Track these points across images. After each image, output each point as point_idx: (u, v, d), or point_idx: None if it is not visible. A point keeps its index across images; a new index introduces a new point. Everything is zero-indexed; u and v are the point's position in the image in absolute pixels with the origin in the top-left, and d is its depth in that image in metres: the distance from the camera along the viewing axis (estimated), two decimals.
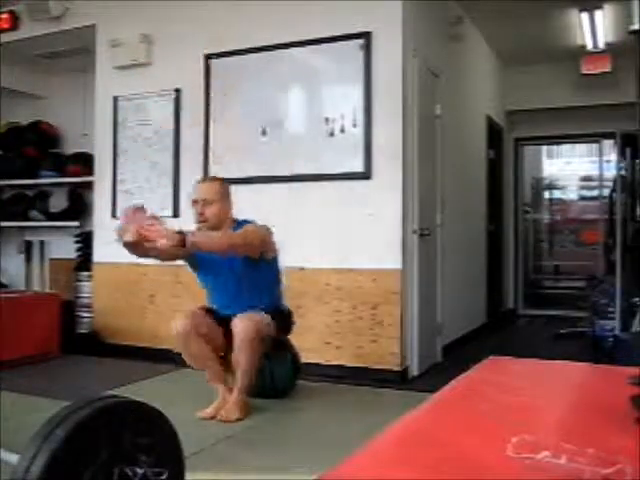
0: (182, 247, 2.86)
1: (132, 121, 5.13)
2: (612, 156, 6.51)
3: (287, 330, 3.47)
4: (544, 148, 9.46)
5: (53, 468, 1.50)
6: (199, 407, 3.20)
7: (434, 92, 4.75)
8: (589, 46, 6.36)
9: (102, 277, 5.20)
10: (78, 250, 5.79)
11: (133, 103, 5.13)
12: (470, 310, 5.98)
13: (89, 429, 1.58)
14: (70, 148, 6.30)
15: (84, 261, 5.60)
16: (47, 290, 6.15)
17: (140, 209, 2.94)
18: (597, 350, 4.52)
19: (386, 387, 3.90)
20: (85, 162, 5.75)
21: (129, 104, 5.14)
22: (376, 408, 3.35)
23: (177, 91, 4.93)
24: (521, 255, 7.98)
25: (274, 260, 3.37)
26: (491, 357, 1.90)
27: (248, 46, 4.59)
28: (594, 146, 8.13)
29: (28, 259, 6.52)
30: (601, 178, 7.48)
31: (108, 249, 5.15)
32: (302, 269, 4.32)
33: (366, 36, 4.22)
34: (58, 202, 6.06)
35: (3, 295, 4.87)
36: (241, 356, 3.11)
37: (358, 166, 4.23)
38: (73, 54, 5.86)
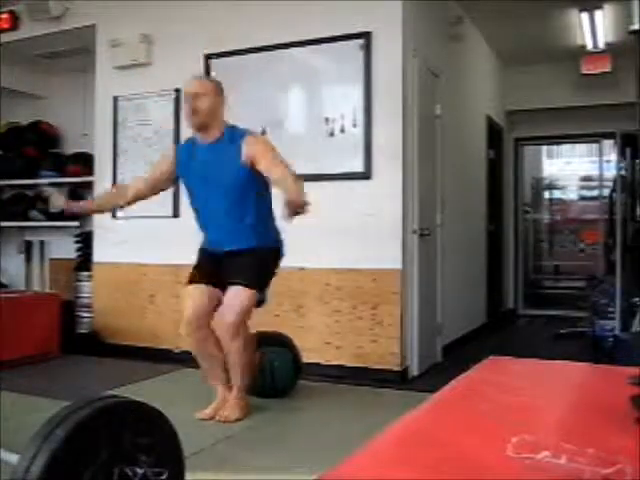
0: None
1: (132, 121, 5.13)
2: (612, 156, 6.51)
3: (276, 269, 3.29)
4: (544, 148, 9.45)
5: (53, 468, 1.50)
6: (199, 407, 3.20)
7: (434, 92, 4.75)
8: (589, 46, 6.36)
9: (102, 277, 5.20)
10: (78, 250, 5.79)
11: (133, 103, 5.13)
12: (470, 310, 5.99)
13: (89, 429, 1.59)
14: (70, 148, 6.31)
15: (84, 261, 5.60)
16: (47, 290, 6.15)
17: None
18: (597, 350, 4.52)
19: (386, 387, 3.90)
20: (85, 162, 5.75)
21: (129, 104, 5.14)
22: (376, 408, 3.35)
23: (177, 91, 4.92)
24: (521, 255, 7.98)
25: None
26: (491, 357, 1.90)
27: (248, 46, 4.59)
28: (594, 146, 8.12)
29: (28, 259, 6.52)
30: (601, 178, 7.48)
31: (108, 249, 5.17)
32: (302, 269, 4.32)
33: (366, 36, 4.22)
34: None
35: (3, 295, 4.87)
36: (230, 350, 3.10)
37: (358, 166, 4.23)
38: (73, 54, 5.86)
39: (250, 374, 3.21)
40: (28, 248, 6.52)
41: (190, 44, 4.86)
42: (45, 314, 4.77)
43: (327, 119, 4.34)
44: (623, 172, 4.70)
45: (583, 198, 9.44)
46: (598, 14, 5.61)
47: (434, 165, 4.75)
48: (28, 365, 4.38)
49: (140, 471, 1.61)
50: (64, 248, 6.09)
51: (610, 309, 4.45)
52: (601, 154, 7.50)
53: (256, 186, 3.14)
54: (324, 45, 4.37)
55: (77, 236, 5.85)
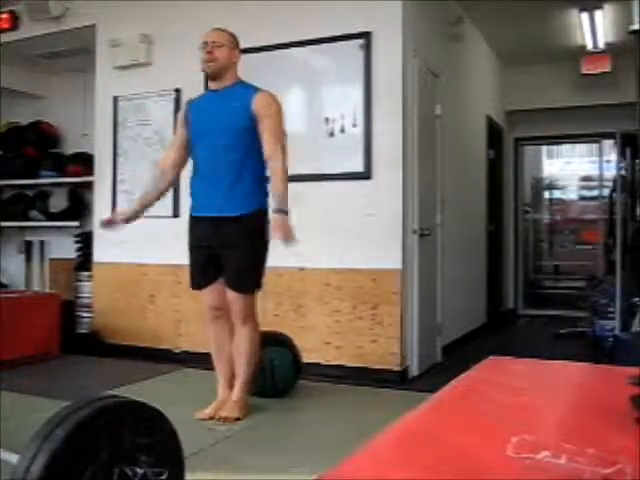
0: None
1: (132, 121, 5.13)
2: (612, 156, 6.51)
3: (267, 245, 3.23)
4: (544, 148, 9.46)
5: (53, 468, 1.51)
6: (199, 407, 3.19)
7: (434, 92, 4.75)
8: (589, 46, 6.36)
9: (102, 277, 5.20)
10: (78, 250, 5.79)
11: (133, 103, 5.13)
12: (470, 310, 5.99)
13: (89, 429, 1.59)
14: (70, 148, 6.30)
15: (84, 261, 5.60)
16: (47, 290, 6.15)
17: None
18: (597, 350, 4.52)
19: (386, 387, 3.90)
20: (85, 162, 5.75)
21: (129, 104, 5.14)
22: (376, 408, 3.35)
23: (177, 91, 4.93)
24: (521, 255, 7.98)
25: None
26: (491, 357, 1.90)
27: (248, 46, 4.56)
28: (594, 146, 8.13)
29: (28, 259, 6.52)
30: (601, 178, 7.48)
31: (108, 249, 5.16)
32: (302, 269, 4.33)
33: (366, 36, 4.22)
34: (58, 202, 6.06)
35: (3, 295, 4.87)
36: (237, 336, 3.16)
37: (358, 166, 4.23)
38: (73, 54, 5.86)
39: (254, 365, 3.23)
40: (28, 248, 6.52)
41: (190, 44, 4.82)
42: (45, 314, 4.77)
43: (327, 119, 4.34)
44: (623, 172, 4.70)
45: (583, 198, 9.45)
46: (598, 14, 5.61)
47: (434, 165, 4.75)
48: (28, 365, 4.37)
49: (140, 471, 1.61)
50: (64, 248, 6.09)
51: (610, 309, 4.45)
52: (601, 154, 7.50)
53: (258, 140, 3.13)
54: (324, 45, 4.37)
55: (77, 236, 5.85)
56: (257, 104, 3.12)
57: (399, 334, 4.11)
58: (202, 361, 3.70)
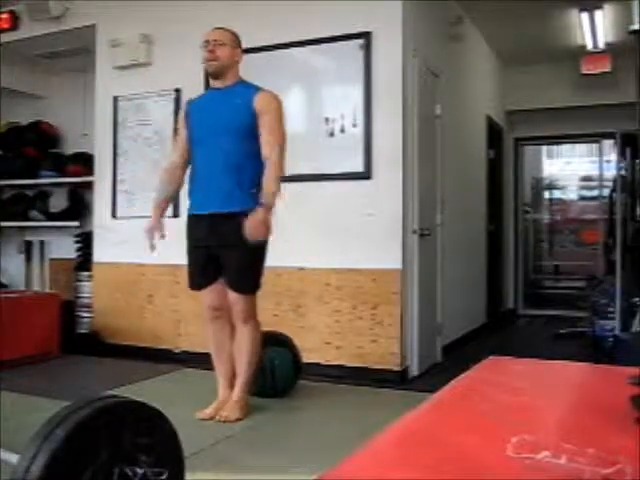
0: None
1: (132, 121, 5.13)
2: (612, 156, 6.51)
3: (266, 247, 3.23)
4: (544, 148, 9.46)
5: (53, 468, 1.51)
6: (199, 407, 3.20)
7: (434, 92, 4.75)
8: (589, 46, 6.36)
9: (102, 277, 5.20)
10: (78, 250, 5.79)
11: (133, 103, 5.13)
12: (470, 310, 5.99)
13: (89, 429, 1.59)
14: (70, 148, 6.30)
15: (84, 261, 5.60)
16: (47, 290, 6.15)
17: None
18: (597, 350, 4.52)
19: (386, 387, 3.90)
20: (85, 162, 5.75)
21: (129, 104, 5.14)
22: (376, 408, 3.35)
23: (177, 91, 4.93)
24: (521, 255, 7.98)
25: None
26: (491, 357, 1.90)
27: (248, 46, 4.55)
28: (594, 146, 8.13)
29: (28, 259, 6.52)
30: (601, 178, 7.49)
31: (108, 249, 5.16)
32: (302, 269, 4.33)
33: (366, 36, 4.22)
34: (58, 202, 6.06)
35: (3, 295, 4.87)
36: (239, 336, 3.16)
37: (358, 166, 4.23)
38: (73, 54, 5.86)
39: (255, 365, 3.23)
40: (28, 248, 6.52)
41: (190, 44, 4.83)
42: (45, 314, 4.77)
43: (327, 119, 4.34)
44: (623, 172, 4.70)
45: (583, 198, 9.45)
46: (598, 14, 5.61)
47: (434, 165, 4.75)
48: (28, 365, 4.38)
49: (140, 471, 1.61)
50: (64, 248, 6.09)
51: (610, 309, 4.45)
52: (601, 154, 7.50)
53: (259, 139, 3.12)
54: (324, 45, 4.37)
55: (77, 236, 5.85)
56: (258, 103, 3.13)
57: (399, 334, 4.11)
58: (202, 361, 3.70)
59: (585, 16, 5.68)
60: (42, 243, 6.47)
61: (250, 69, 4.57)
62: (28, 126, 6.33)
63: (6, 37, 5.57)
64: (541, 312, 7.63)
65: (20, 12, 5.56)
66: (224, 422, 3.08)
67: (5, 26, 5.57)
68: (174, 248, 4.74)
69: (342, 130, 4.30)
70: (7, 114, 6.36)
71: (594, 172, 8.20)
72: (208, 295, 3.23)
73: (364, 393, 3.83)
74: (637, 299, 4.23)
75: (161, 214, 3.33)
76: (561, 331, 5.92)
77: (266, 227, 2.97)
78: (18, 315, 4.51)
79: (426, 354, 4.47)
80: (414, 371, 4.29)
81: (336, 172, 4.31)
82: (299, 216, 4.35)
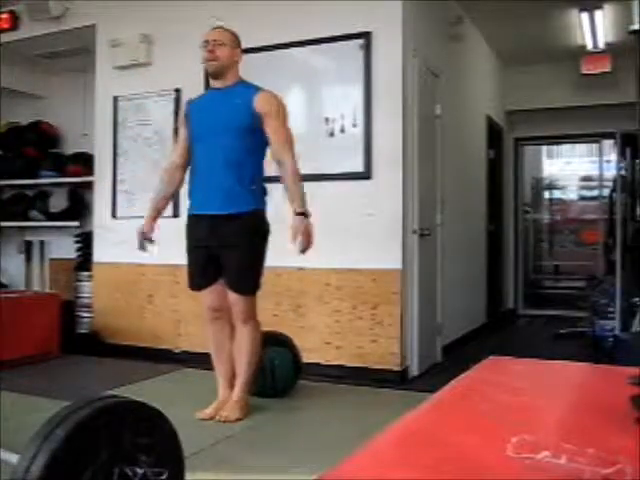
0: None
1: (132, 121, 5.13)
2: (612, 156, 6.51)
3: (265, 240, 3.20)
4: (544, 148, 9.46)
5: (53, 468, 1.51)
6: (199, 407, 3.20)
7: (434, 92, 4.75)
8: (589, 46, 6.36)
9: (102, 277, 5.20)
10: (78, 250, 5.79)
11: (133, 103, 5.13)
12: (470, 310, 5.99)
13: (89, 429, 1.59)
14: (70, 148, 6.31)
15: (84, 261, 5.60)
16: (47, 290, 6.15)
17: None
18: (597, 350, 4.52)
19: (386, 387, 3.90)
20: (85, 162, 5.75)
21: (129, 104, 5.14)
22: (376, 408, 3.35)
23: (177, 91, 4.93)
24: (521, 255, 7.98)
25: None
26: (491, 357, 1.90)
27: (248, 46, 4.55)
28: (594, 146, 8.13)
29: (28, 259, 6.52)
30: (601, 178, 7.49)
31: (108, 249, 5.17)
32: (302, 269, 4.32)
33: (366, 36, 4.22)
34: (58, 202, 6.06)
35: (3, 295, 4.87)
36: (239, 336, 3.16)
37: (358, 166, 4.23)
38: (73, 54, 5.86)
39: (255, 365, 3.23)
40: (28, 248, 6.52)
41: (190, 44, 4.84)
42: (45, 314, 4.77)
43: (327, 119, 4.34)
44: (623, 172, 4.70)
45: (583, 198, 9.45)
46: (598, 14, 5.61)
47: (434, 165, 4.75)
48: (28, 365, 4.37)
49: (140, 471, 1.61)
50: (64, 248, 6.09)
51: (610, 309, 4.45)
52: (601, 154, 7.50)
53: (259, 139, 3.13)
54: (324, 45, 4.37)
55: (77, 236, 5.85)
56: (259, 103, 3.12)
57: (399, 334, 4.11)
58: (202, 361, 3.70)
59: (585, 16, 5.68)
60: (42, 243, 6.47)
61: (250, 69, 4.57)
62: (28, 126, 6.34)
63: (6, 37, 5.57)
64: (541, 312, 7.63)
65: (20, 12, 5.56)
66: (224, 422, 3.08)
67: (5, 26, 5.57)
68: (174, 248, 4.74)
69: (342, 130, 4.30)
70: (7, 114, 6.36)
71: (594, 172, 8.20)
72: (208, 296, 3.22)
73: (364, 393, 3.82)
74: (637, 299, 4.23)
75: (158, 215, 3.35)
76: (561, 331, 5.92)
77: (310, 234, 2.98)
78: (18, 315, 4.51)
79: (426, 354, 4.47)
80: (414, 371, 4.29)
81: (336, 172, 4.30)
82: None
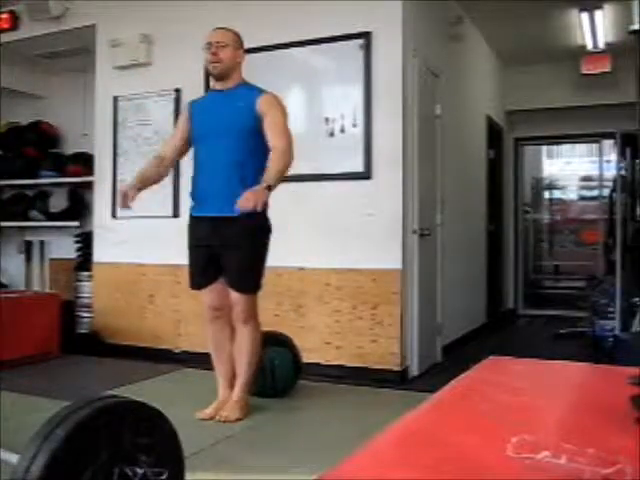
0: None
1: (132, 121, 5.13)
2: (612, 156, 6.51)
3: (267, 241, 3.20)
4: (544, 148, 9.46)
5: (53, 468, 1.51)
6: (199, 407, 3.20)
7: (434, 92, 4.75)
8: (589, 46, 6.36)
9: (102, 277, 5.20)
10: (78, 250, 5.79)
11: (133, 103, 5.13)
12: (470, 310, 5.99)
13: (89, 429, 1.59)
14: (70, 148, 6.31)
15: (84, 261, 5.60)
16: (47, 290, 6.15)
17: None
18: (597, 350, 4.52)
19: (386, 387, 3.90)
20: (85, 162, 5.75)
21: (129, 104, 5.14)
22: (376, 408, 3.35)
23: (177, 91, 4.93)
24: (521, 255, 7.98)
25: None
26: (491, 357, 1.90)
27: (248, 46, 4.56)
28: (594, 146, 8.13)
29: (28, 259, 6.53)
30: (601, 178, 7.49)
31: (108, 249, 5.17)
32: (302, 269, 4.33)
33: (366, 36, 4.22)
34: (58, 202, 6.07)
35: (3, 295, 4.87)
36: (239, 336, 3.16)
37: (358, 166, 4.23)
38: (73, 54, 5.86)
39: (255, 365, 3.22)
40: (28, 248, 6.52)
41: (190, 44, 4.85)
42: (45, 314, 4.77)
43: (327, 119, 4.34)
44: (623, 172, 4.70)
45: (583, 198, 9.45)
46: (598, 14, 5.61)
47: (434, 165, 4.75)
48: (28, 365, 4.38)
49: (140, 471, 1.61)
50: (64, 248, 6.09)
51: (610, 309, 4.45)
52: (601, 154, 7.50)
53: (261, 142, 3.12)
54: (324, 45, 4.37)
55: (77, 236, 5.85)
56: (261, 105, 3.12)
57: (399, 334, 4.11)
58: (202, 361, 3.70)
59: (585, 16, 5.68)
60: (42, 243, 6.47)
61: (250, 69, 4.57)
62: (28, 126, 6.34)
63: (6, 37, 5.57)
64: (541, 312, 7.63)
65: (20, 12, 5.56)
66: (224, 422, 3.08)
67: (5, 26, 5.57)
68: (174, 248, 4.76)
69: (342, 130, 4.30)
70: (7, 114, 6.37)
71: (594, 172, 8.20)
72: (208, 295, 3.23)
73: (364, 393, 3.82)
74: (637, 299, 4.23)
75: (141, 187, 3.20)
76: (561, 331, 5.92)
77: (258, 201, 2.78)
78: (18, 315, 4.51)
79: (426, 354, 4.47)
80: (414, 371, 4.29)
81: (336, 172, 4.30)
82: (299, 216, 4.36)
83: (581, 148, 9.56)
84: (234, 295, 3.14)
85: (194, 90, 4.81)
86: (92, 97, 5.41)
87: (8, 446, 2.00)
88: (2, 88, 5.85)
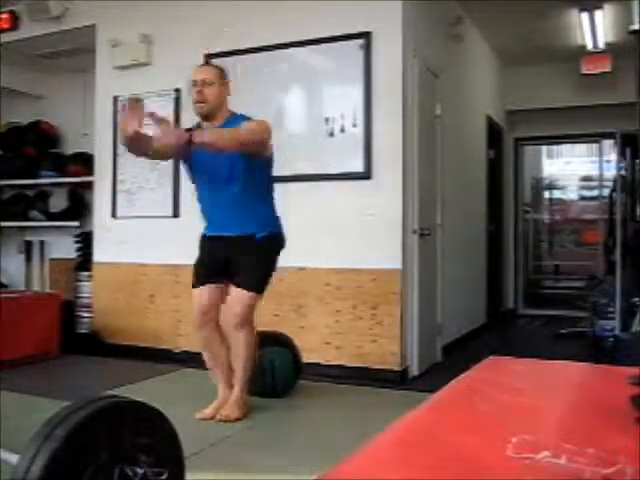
0: (189, 145, 2.79)
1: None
2: (612, 156, 6.51)
3: (276, 259, 3.27)
4: (544, 148, 9.46)
5: (53, 468, 1.51)
6: (199, 407, 3.20)
7: (434, 92, 4.75)
8: (589, 46, 6.36)
9: (102, 277, 5.20)
10: (78, 250, 5.79)
11: None
12: (470, 310, 5.98)
13: (89, 429, 1.59)
14: (70, 148, 6.31)
15: (84, 261, 5.60)
16: (47, 290, 6.15)
17: (138, 102, 2.88)
18: (597, 350, 4.52)
19: (386, 387, 3.90)
20: (85, 162, 5.75)
21: None
22: (376, 408, 3.35)
23: (177, 91, 4.93)
24: (521, 255, 7.98)
25: (269, 160, 3.23)
26: (491, 357, 1.90)
27: (248, 46, 4.59)
28: (594, 146, 8.13)
29: (28, 259, 6.52)
30: (601, 178, 7.49)
31: (108, 249, 5.17)
32: (302, 269, 4.33)
33: (366, 36, 4.22)
34: (58, 202, 6.07)
35: (3, 295, 4.87)
36: (234, 340, 3.14)
37: (358, 166, 4.23)
38: (73, 54, 5.86)
39: (251, 369, 3.21)
40: (28, 248, 6.52)
41: (190, 44, 4.86)
42: (45, 314, 4.77)
43: (327, 119, 4.34)
44: (623, 172, 4.70)
45: (583, 198, 9.45)
46: (598, 14, 5.61)
47: (434, 165, 4.75)
48: (28, 365, 4.38)
49: (140, 471, 1.61)
50: (64, 248, 6.09)
51: (610, 309, 4.45)
52: (601, 154, 7.50)
53: (258, 172, 3.14)
54: (324, 45, 4.37)
55: (77, 236, 5.85)
56: (243, 124, 3.07)
57: (399, 334, 4.11)
58: (202, 361, 3.68)
59: (585, 16, 5.68)
60: (42, 243, 6.47)
61: (250, 69, 4.59)
62: (28, 126, 6.34)
63: (6, 37, 5.57)
64: (541, 312, 7.63)
65: (20, 12, 5.56)
66: (224, 421, 3.08)
67: (5, 26, 5.57)
68: (175, 248, 4.76)
69: (342, 130, 4.30)
70: (7, 114, 6.37)
71: (594, 172, 8.20)
72: (201, 293, 3.22)
73: (364, 393, 3.82)
74: (637, 299, 4.22)
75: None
76: (561, 331, 5.92)
77: (172, 135, 2.78)
78: (18, 315, 4.51)
79: (426, 354, 4.47)
80: (414, 371, 4.29)
81: (336, 172, 4.30)
82: (299, 216, 4.35)
83: (581, 148, 9.56)
84: (236, 293, 3.12)
85: None
86: (92, 97, 5.41)
87: (8, 446, 2.00)
88: (2, 88, 5.85)
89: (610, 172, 6.82)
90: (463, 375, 1.68)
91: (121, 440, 1.61)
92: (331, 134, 4.33)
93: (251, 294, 3.14)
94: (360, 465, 1.05)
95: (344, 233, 4.26)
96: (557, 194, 9.77)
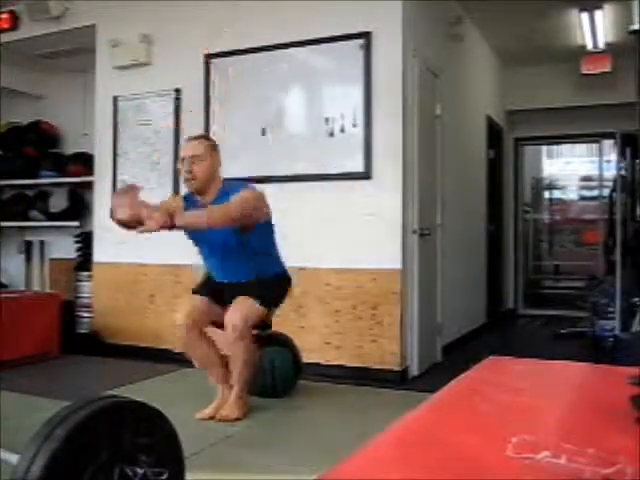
0: (171, 228, 2.82)
1: (132, 121, 5.13)
2: (612, 156, 6.51)
3: (283, 295, 3.34)
4: (544, 148, 9.46)
5: (53, 468, 1.51)
6: (199, 407, 3.20)
7: (434, 92, 4.75)
8: (589, 46, 6.36)
9: (102, 277, 5.20)
10: (78, 250, 5.79)
11: (133, 103, 5.13)
12: (470, 310, 5.98)
13: (89, 429, 1.59)
14: (70, 148, 6.31)
15: (84, 261, 5.60)
16: (47, 290, 6.15)
17: (134, 188, 2.92)
18: (597, 350, 4.52)
19: (386, 387, 3.90)
20: (85, 162, 5.76)
21: (129, 104, 5.14)
22: (376, 408, 3.35)
23: (177, 91, 4.93)
24: (521, 255, 7.98)
25: (268, 223, 3.25)
26: (491, 357, 1.90)
27: (248, 46, 4.59)
28: (594, 146, 8.13)
29: (28, 259, 6.53)
30: (601, 178, 7.48)
31: (108, 249, 5.17)
32: (302, 269, 4.32)
33: (366, 36, 4.21)
34: (58, 202, 6.07)
35: (3, 295, 4.87)
36: (233, 349, 3.12)
37: (358, 166, 4.23)
38: (73, 54, 5.86)
39: (250, 371, 3.21)
40: (28, 248, 6.52)
41: (190, 44, 4.86)
42: (45, 314, 4.77)
43: (327, 119, 4.34)
44: (623, 172, 4.70)
45: (583, 198, 9.45)
46: (598, 14, 5.61)
47: (434, 165, 4.75)
48: (28, 365, 4.38)
49: (140, 471, 1.61)
50: (64, 248, 6.09)
51: (610, 309, 4.45)
52: (601, 154, 7.50)
53: (254, 239, 3.16)
54: (324, 45, 4.37)
55: (77, 236, 5.85)
56: (234, 196, 3.05)
57: (399, 334, 4.11)
58: None
59: (585, 16, 5.68)
60: (42, 243, 6.47)
61: (250, 69, 4.59)
62: (28, 126, 6.34)
63: (6, 37, 5.57)
64: (541, 312, 7.63)
65: (20, 12, 5.56)
66: (224, 421, 3.08)
67: (5, 26, 5.57)
68: (175, 249, 4.76)
69: (342, 130, 4.30)
70: (7, 114, 6.37)
71: (594, 172, 8.20)
72: (202, 300, 3.24)
73: (364, 393, 3.82)
74: (637, 299, 4.22)
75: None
76: (561, 331, 5.92)
77: (153, 223, 2.75)
78: (18, 315, 4.51)
79: (426, 354, 4.47)
80: (414, 371, 4.29)
81: (336, 172, 4.30)
82: (299, 216, 4.36)
83: (581, 148, 9.56)
84: (242, 299, 3.11)
85: (194, 90, 4.83)
86: (92, 97, 5.41)
87: (8, 446, 2.00)
88: (2, 88, 5.85)
89: (610, 172, 6.82)
90: (463, 375, 1.68)
91: (121, 440, 1.61)
92: (331, 134, 4.33)
93: (257, 302, 3.13)
94: (360, 465, 1.05)
95: (344, 233, 4.26)
96: (557, 194, 9.77)
